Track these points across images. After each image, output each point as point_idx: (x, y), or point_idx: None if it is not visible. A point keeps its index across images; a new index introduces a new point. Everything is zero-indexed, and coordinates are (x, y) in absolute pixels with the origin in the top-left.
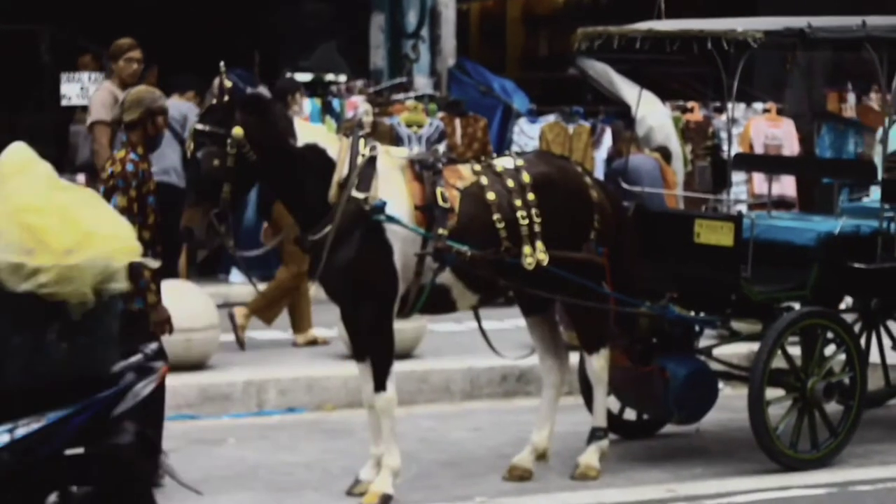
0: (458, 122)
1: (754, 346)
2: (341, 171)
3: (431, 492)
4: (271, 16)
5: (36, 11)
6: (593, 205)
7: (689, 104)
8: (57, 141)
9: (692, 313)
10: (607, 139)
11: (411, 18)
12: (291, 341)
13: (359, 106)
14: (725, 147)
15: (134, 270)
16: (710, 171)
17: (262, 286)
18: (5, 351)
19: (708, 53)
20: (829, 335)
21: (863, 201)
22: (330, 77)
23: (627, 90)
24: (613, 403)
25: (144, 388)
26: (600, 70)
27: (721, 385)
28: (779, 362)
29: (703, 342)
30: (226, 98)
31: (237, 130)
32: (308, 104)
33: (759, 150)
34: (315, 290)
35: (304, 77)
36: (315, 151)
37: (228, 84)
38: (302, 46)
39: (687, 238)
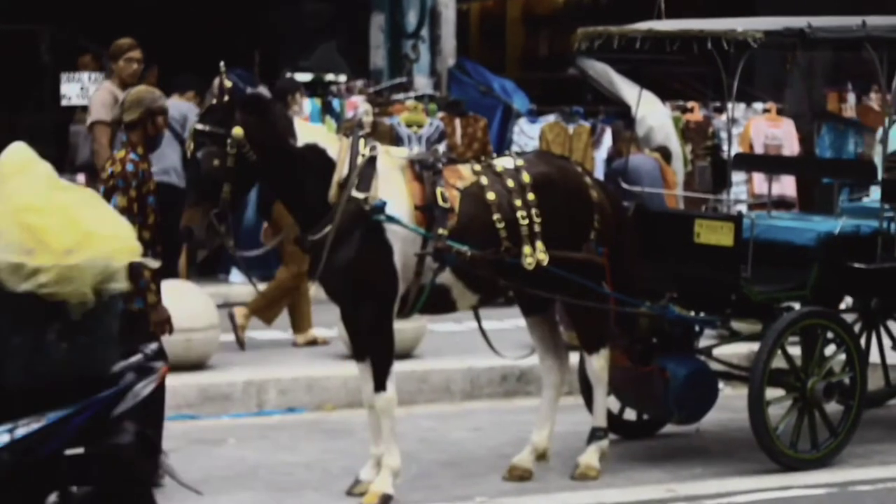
0: (458, 122)
1: (754, 346)
2: (341, 171)
3: (431, 492)
4: (271, 16)
5: (36, 11)
6: (593, 205)
7: (689, 104)
8: (57, 141)
9: (692, 313)
10: (607, 139)
11: (411, 18)
12: (291, 341)
13: (359, 106)
14: (725, 147)
15: (134, 270)
16: (710, 171)
17: (261, 286)
18: (5, 351)
19: (708, 53)
20: (829, 335)
21: (863, 201)
22: (330, 77)
23: (627, 90)
24: (613, 403)
25: (144, 388)
26: (600, 70)
27: (721, 385)
28: (779, 362)
29: (703, 342)
30: (226, 98)
31: (237, 130)
32: (308, 104)
33: (759, 150)
34: (315, 290)
35: (304, 77)
36: (315, 151)
37: (228, 84)
38: (302, 46)
39: (687, 238)
